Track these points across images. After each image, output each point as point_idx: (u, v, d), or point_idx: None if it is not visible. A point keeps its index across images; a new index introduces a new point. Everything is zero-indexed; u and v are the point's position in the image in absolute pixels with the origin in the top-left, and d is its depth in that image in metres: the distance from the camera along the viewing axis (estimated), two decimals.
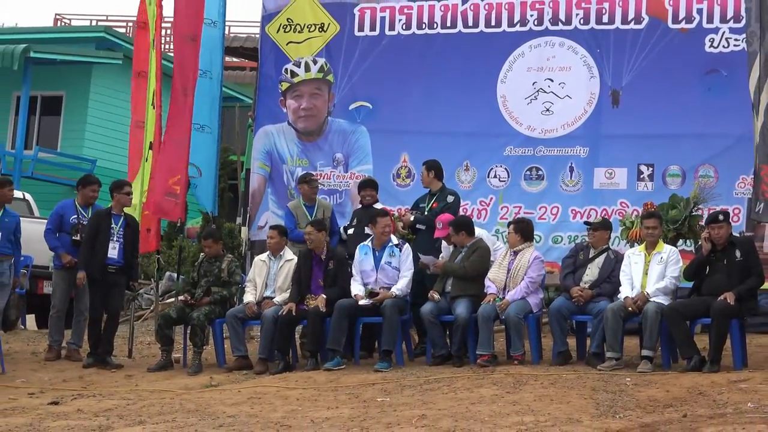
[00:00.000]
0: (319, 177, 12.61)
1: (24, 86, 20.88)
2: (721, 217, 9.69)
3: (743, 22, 11.03)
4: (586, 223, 10.93)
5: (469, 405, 7.88)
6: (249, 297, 10.76)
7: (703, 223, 10.27)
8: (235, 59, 23.28)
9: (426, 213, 11.05)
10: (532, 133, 12.47)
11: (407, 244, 10.64)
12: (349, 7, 13.13)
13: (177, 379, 10.05)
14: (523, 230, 10.43)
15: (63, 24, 29.84)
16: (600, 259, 10.20)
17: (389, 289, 10.32)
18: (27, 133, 21.52)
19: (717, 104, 11.81)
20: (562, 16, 12.43)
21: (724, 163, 11.75)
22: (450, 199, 11.09)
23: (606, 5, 12.31)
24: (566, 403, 7.82)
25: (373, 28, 13.03)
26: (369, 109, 13.02)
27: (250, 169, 13.52)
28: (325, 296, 10.29)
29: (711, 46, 11.98)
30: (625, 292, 9.80)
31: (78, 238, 11.17)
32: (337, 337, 10.08)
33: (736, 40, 11.77)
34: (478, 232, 10.77)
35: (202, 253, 11.43)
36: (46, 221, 11.93)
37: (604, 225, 10.50)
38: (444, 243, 10.72)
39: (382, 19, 13.01)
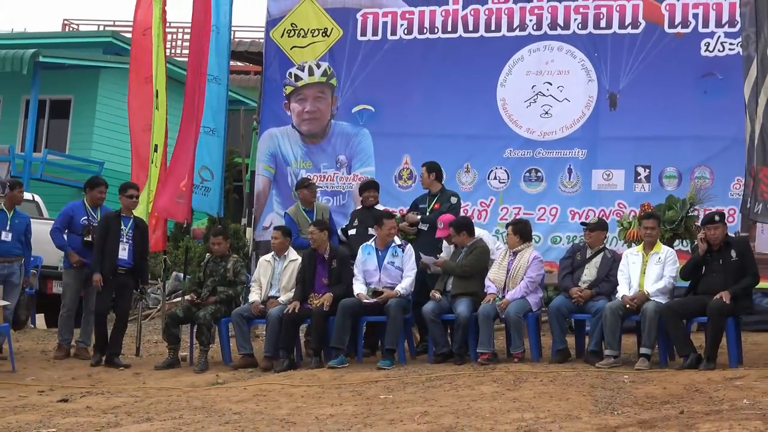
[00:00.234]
0: (322, 179, 12.62)
1: (33, 90, 20.89)
2: (716, 217, 9.70)
3: (738, 26, 11.06)
4: (582, 223, 10.94)
5: (470, 402, 7.88)
6: (254, 296, 10.76)
7: (699, 223, 10.27)
8: (239, 63, 23.25)
9: (427, 213, 11.06)
10: (531, 136, 12.47)
11: (410, 244, 10.65)
12: (351, 12, 13.13)
13: (184, 377, 10.06)
14: (522, 231, 10.44)
15: (71, 29, 29.82)
16: (597, 259, 10.21)
17: (392, 288, 10.33)
18: (36, 136, 21.53)
19: (712, 107, 11.81)
20: (560, 21, 12.44)
21: (720, 164, 11.76)
22: (453, 200, 11.12)
23: (603, 10, 12.32)
24: (565, 400, 7.83)
25: (375, 33, 13.04)
26: (371, 112, 13.03)
27: (255, 171, 13.53)
28: (331, 294, 10.30)
29: (706, 50, 11.99)
30: (623, 291, 9.81)
31: (90, 239, 11.16)
32: (340, 336, 10.09)
33: (731, 44, 11.78)
34: (480, 232, 10.78)
35: (208, 254, 11.44)
36: None
37: (600, 225, 10.51)
38: (445, 243, 10.72)
39: (384, 24, 13.02)
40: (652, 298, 9.62)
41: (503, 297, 10.08)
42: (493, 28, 12.65)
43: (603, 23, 12.32)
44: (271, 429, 7.14)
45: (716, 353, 9.28)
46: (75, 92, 22.16)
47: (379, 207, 11.23)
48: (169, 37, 25.06)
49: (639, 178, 12.10)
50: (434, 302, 10.24)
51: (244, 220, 14.41)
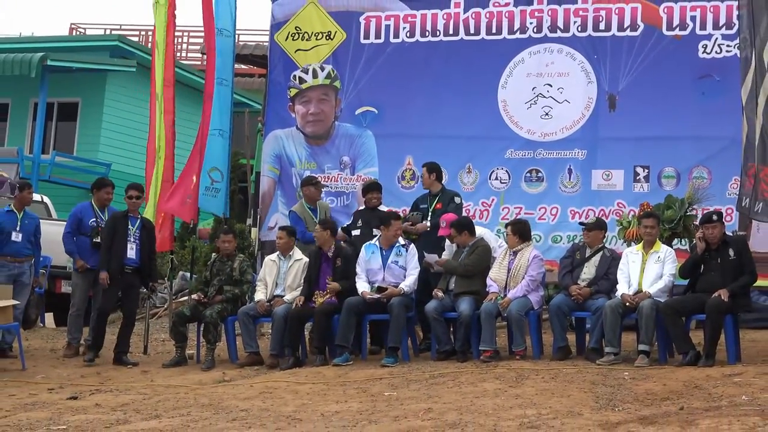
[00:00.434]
0: (326, 180, 12.62)
1: (41, 93, 20.91)
2: (714, 217, 9.69)
3: (735, 28, 11.06)
4: (581, 223, 10.94)
5: (473, 399, 7.87)
6: (260, 295, 10.77)
7: (697, 222, 10.27)
8: (243, 66, 23.27)
9: (429, 213, 11.07)
10: (532, 137, 12.48)
11: (413, 244, 10.66)
12: (355, 16, 13.15)
13: (191, 375, 10.05)
14: (521, 231, 10.44)
15: (78, 33, 29.84)
16: (596, 258, 10.22)
17: (396, 287, 10.33)
18: (44, 139, 21.56)
19: (710, 108, 11.82)
20: (560, 24, 12.45)
21: (718, 164, 11.77)
22: (457, 200, 11.13)
23: (603, 13, 12.34)
24: (567, 397, 7.82)
25: (378, 36, 13.06)
26: (375, 113, 13.04)
27: (260, 172, 13.53)
28: (337, 284, 10.32)
29: (704, 52, 12.00)
30: (623, 289, 9.81)
31: (98, 240, 11.16)
32: (345, 334, 10.10)
33: (728, 46, 11.79)
34: (482, 231, 10.79)
35: (214, 253, 11.44)
36: (63, 223, 11.95)
37: (599, 225, 10.51)
38: (448, 242, 10.72)
39: (387, 27, 13.03)
40: (651, 296, 9.62)
41: (505, 296, 10.08)
42: (494, 30, 12.66)
43: (602, 26, 12.34)
44: (277, 425, 7.14)
45: (715, 350, 9.27)
46: (82, 95, 22.18)
47: (383, 208, 11.24)
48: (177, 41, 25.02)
49: (638, 178, 12.11)
50: (437, 301, 10.25)
51: (249, 221, 14.41)
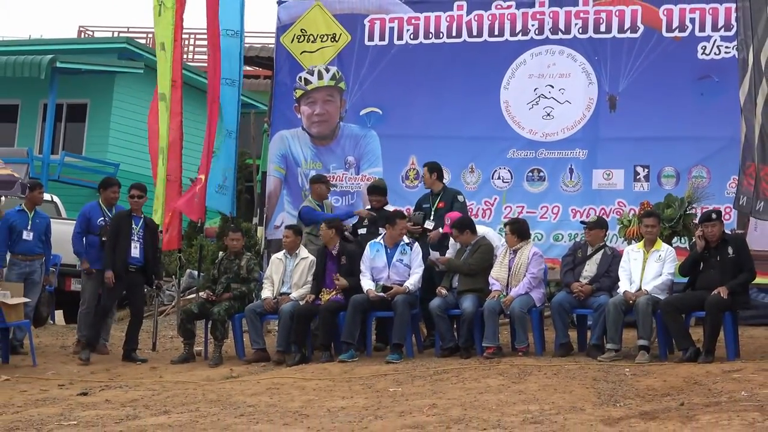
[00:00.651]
0: (332, 179, 12.62)
1: (50, 95, 20.94)
2: (713, 215, 9.70)
3: (734, 30, 11.03)
4: (582, 222, 10.95)
5: (477, 394, 7.88)
6: (267, 293, 10.78)
7: (696, 221, 10.27)
8: (249, 68, 23.28)
9: (432, 213, 11.07)
10: (533, 137, 12.46)
11: (417, 243, 10.66)
12: (359, 18, 13.13)
13: (199, 371, 10.07)
14: (519, 230, 10.44)
15: (87, 35, 29.88)
16: (597, 256, 10.22)
17: (400, 285, 10.33)
18: (54, 139, 21.59)
19: (709, 108, 11.79)
20: (561, 26, 12.42)
21: (717, 164, 11.73)
22: (461, 198, 11.14)
23: (603, 15, 12.31)
24: (569, 393, 7.83)
25: (382, 38, 13.03)
26: (379, 114, 13.02)
27: (266, 172, 13.54)
28: (345, 281, 10.37)
29: (703, 53, 11.97)
30: (624, 286, 9.81)
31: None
32: (351, 331, 10.10)
33: (726, 47, 11.76)
34: (485, 230, 10.80)
35: (221, 252, 11.45)
36: (72, 222, 11.95)
37: (599, 224, 10.52)
38: (452, 240, 10.72)
39: (391, 29, 13.01)
40: (651, 294, 9.61)
41: (507, 294, 10.08)
42: (496, 32, 12.64)
43: (603, 28, 12.31)
44: (284, 421, 7.14)
45: (714, 347, 9.28)
46: (91, 96, 22.21)
47: (389, 207, 11.27)
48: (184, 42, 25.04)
49: (638, 177, 12.09)
50: (441, 298, 10.25)
51: (255, 219, 14.42)
